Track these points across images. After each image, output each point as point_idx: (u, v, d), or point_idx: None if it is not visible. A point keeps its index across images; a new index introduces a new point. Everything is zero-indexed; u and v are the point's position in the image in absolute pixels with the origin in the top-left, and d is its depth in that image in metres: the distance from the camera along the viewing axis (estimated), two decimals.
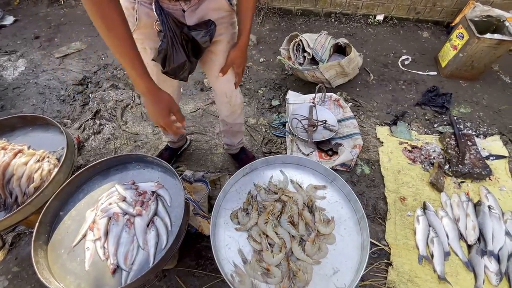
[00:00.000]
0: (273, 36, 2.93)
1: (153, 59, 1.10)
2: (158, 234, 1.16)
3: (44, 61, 2.69)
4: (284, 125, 2.11)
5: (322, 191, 1.27)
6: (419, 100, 2.26)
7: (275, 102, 2.27)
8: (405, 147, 1.99)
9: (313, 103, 2.16)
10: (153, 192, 1.27)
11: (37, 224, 1.11)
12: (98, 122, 2.13)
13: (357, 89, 2.38)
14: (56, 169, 1.33)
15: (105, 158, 1.33)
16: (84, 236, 1.15)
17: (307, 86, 2.38)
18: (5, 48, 2.86)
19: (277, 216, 1.16)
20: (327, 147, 1.94)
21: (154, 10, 0.98)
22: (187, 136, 2.00)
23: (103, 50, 2.81)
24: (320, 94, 2.18)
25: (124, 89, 2.39)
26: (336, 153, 1.92)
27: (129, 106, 2.25)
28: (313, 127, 1.98)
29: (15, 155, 1.29)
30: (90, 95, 2.35)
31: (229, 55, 1.21)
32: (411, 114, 2.19)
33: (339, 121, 2.06)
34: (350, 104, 2.23)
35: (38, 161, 1.33)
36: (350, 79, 2.41)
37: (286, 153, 1.94)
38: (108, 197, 1.25)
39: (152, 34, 1.07)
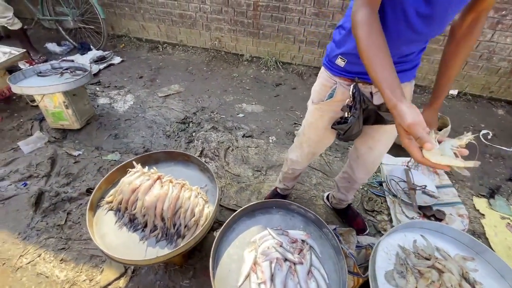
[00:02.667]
0: None
1: (333, 127, 1.27)
2: (318, 286, 1.19)
3: (149, 98, 3.04)
4: (381, 184, 2.19)
5: (472, 263, 1.28)
6: (511, 176, 2.31)
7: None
8: (508, 223, 1.98)
9: (407, 166, 2.25)
10: (303, 241, 1.34)
11: (210, 260, 1.19)
12: (203, 159, 2.31)
13: None
14: (207, 205, 1.45)
15: (252, 203, 1.44)
16: (247, 277, 1.20)
17: (396, 149, 2.51)
18: (115, 83, 3.28)
19: (439, 286, 1.17)
20: (429, 213, 1.97)
21: (350, 91, 1.17)
22: None
23: (199, 94, 3.15)
24: (411, 158, 2.28)
25: (223, 131, 2.62)
26: (439, 220, 1.93)
27: (230, 148, 2.44)
28: (414, 191, 2.04)
29: (181, 188, 1.44)
30: (193, 134, 2.59)
31: (424, 116, 1.01)
32: (506, 189, 2.22)
33: (437, 187, 2.12)
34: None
35: (195, 196, 1.46)
36: None
37: (388, 213, 1.97)
38: (262, 239, 1.32)
39: (336, 107, 1.26)
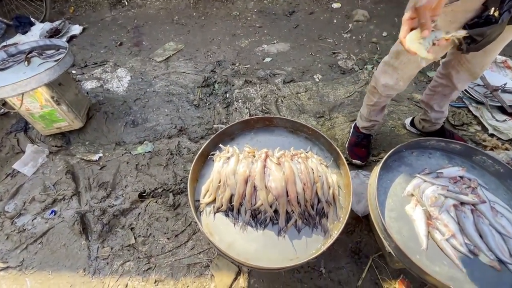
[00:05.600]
0: (380, 8, 2.77)
1: (469, 32, 0.93)
2: (508, 220, 1.02)
3: (147, 68, 2.41)
4: None
5: None
6: None
7: (432, 74, 2.13)
8: None
9: None
10: (461, 177, 1.13)
11: (379, 231, 0.94)
12: None
13: None
14: (329, 172, 1.15)
15: (387, 154, 1.16)
16: (428, 236, 1.00)
17: None
18: (91, 59, 2.54)
19: None
20: None
21: None
22: None
23: (205, 47, 2.55)
24: None
25: (260, 83, 2.17)
26: None
27: (279, 100, 2.05)
28: (497, 92, 1.87)
29: (306, 158, 1.10)
30: (226, 95, 2.12)
31: None
32: None
33: None
34: None
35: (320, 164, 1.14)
36: None
37: (477, 123, 1.82)
38: (418, 189, 1.09)
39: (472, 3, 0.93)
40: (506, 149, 1.64)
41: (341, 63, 2.27)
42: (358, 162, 1.64)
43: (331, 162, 1.20)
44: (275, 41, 2.52)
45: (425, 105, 1.61)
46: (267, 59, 2.38)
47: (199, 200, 1.14)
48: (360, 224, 1.46)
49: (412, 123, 1.81)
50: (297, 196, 1.02)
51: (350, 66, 2.25)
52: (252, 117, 1.33)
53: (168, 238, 1.52)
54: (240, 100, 2.04)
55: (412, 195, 1.09)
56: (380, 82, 1.35)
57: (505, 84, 1.90)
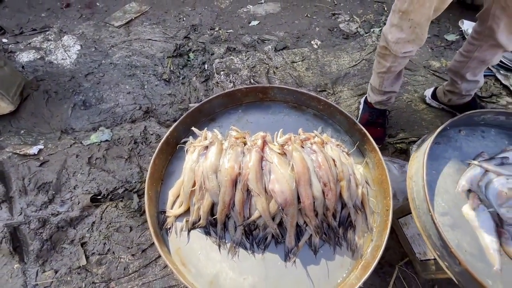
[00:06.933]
0: None
1: None
2: None
3: (102, 34, 1.90)
4: None
5: None
6: None
7: (451, 37, 1.80)
8: None
9: None
10: None
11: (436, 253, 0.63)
12: None
13: None
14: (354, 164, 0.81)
15: (430, 134, 0.83)
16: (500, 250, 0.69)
17: (474, 11, 1.92)
18: (29, 25, 1.98)
19: None
20: None
21: None
22: None
23: (176, 8, 2.06)
24: None
25: (247, 51, 1.75)
26: None
27: (271, 71, 1.65)
28: None
29: (323, 144, 0.73)
30: (204, 66, 1.69)
31: None
32: None
33: None
34: None
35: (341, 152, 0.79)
36: None
37: (507, 93, 1.53)
38: (478, 183, 0.77)
39: None
40: None
41: (343, 26, 1.88)
42: None
43: (354, 149, 0.86)
44: (263, 1, 2.08)
45: (454, 74, 1.29)
46: (254, 22, 1.94)
47: (164, 212, 0.76)
48: None
49: (433, 95, 1.49)
50: (313, 203, 0.67)
51: (354, 29, 1.87)
52: (239, 87, 0.94)
53: (132, 255, 1.15)
54: (222, 72, 1.63)
55: (470, 190, 0.78)
56: (391, 39, 1.03)
57: None
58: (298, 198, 0.67)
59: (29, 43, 1.86)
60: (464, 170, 0.82)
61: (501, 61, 1.59)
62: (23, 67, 1.73)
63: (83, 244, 1.17)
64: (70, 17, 2.04)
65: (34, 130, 1.50)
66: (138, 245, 1.17)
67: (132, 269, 1.12)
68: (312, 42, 1.82)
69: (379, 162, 0.77)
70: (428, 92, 1.52)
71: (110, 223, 1.22)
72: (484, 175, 0.78)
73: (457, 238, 0.72)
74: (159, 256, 1.14)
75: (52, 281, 1.11)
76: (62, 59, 1.77)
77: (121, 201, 1.28)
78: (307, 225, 0.70)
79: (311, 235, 0.71)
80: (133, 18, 1.99)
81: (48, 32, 1.93)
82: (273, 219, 0.70)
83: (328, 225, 0.71)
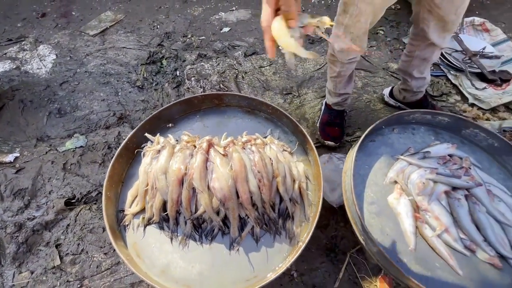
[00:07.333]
0: None
1: None
2: (507, 204, 0.85)
3: (78, 43, 1.96)
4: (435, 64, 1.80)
5: None
6: None
7: (407, 39, 1.92)
8: None
9: (455, 32, 1.86)
10: (450, 156, 0.93)
11: (357, 231, 0.73)
12: None
13: (476, 12, 2.12)
14: (294, 158, 0.91)
15: (363, 135, 0.93)
16: (416, 232, 0.80)
17: None
18: (5, 35, 2.02)
19: None
20: (493, 77, 1.69)
21: None
22: None
23: (150, 16, 2.13)
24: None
25: (217, 57, 1.83)
26: (506, 80, 1.69)
27: (240, 76, 1.74)
28: (476, 57, 1.71)
29: (261, 147, 0.83)
30: (176, 72, 1.77)
31: None
32: None
33: (492, 46, 1.81)
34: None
35: (281, 151, 0.88)
36: None
37: (457, 92, 1.66)
38: (402, 175, 0.88)
39: None
40: (488, 119, 1.50)
41: (310, 32, 1.99)
42: (331, 143, 1.42)
43: (297, 147, 0.96)
44: (234, 8, 2.17)
45: (404, 73, 1.40)
46: (225, 29, 2.03)
47: (123, 210, 0.85)
48: (335, 215, 1.26)
49: (391, 94, 1.61)
50: (251, 197, 0.77)
51: (319, 34, 1.98)
52: (196, 95, 1.03)
53: (105, 254, 1.22)
54: (193, 78, 1.71)
55: (396, 182, 0.89)
56: (336, 48, 1.15)
57: (484, 48, 1.74)
58: (238, 194, 0.77)
59: (5, 54, 1.91)
60: (392, 164, 0.92)
61: (451, 62, 1.72)
62: None
63: (57, 246, 1.24)
64: (46, 26, 2.08)
65: (10, 139, 1.55)
66: (110, 245, 1.24)
67: (104, 266, 1.19)
68: (280, 47, 1.92)
69: (315, 160, 0.87)
70: (386, 91, 1.63)
71: (84, 225, 1.29)
72: (408, 168, 0.89)
73: (381, 223, 0.83)
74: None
75: (28, 281, 1.17)
76: (38, 68, 1.82)
77: (95, 203, 1.35)
78: (248, 217, 0.79)
79: (253, 226, 0.80)
80: (108, 26, 2.05)
81: (24, 42, 1.97)
82: (218, 213, 0.79)
83: (268, 216, 0.80)
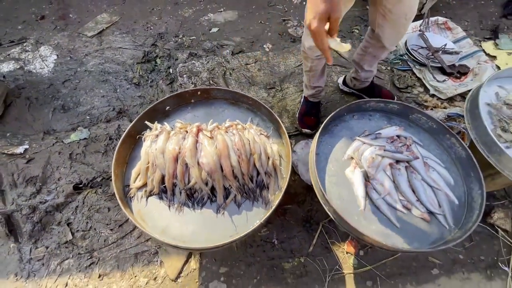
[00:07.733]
0: None
1: None
2: (439, 173, 1.05)
3: (77, 44, 2.11)
4: (402, 59, 2.00)
5: None
6: (504, 12, 2.31)
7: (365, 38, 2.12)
8: None
9: (420, 30, 2.06)
10: (398, 137, 1.13)
11: (320, 196, 0.92)
12: None
13: (443, 12, 2.33)
14: (271, 141, 1.10)
15: (324, 122, 1.12)
16: (366, 197, 1.00)
17: None
18: (7, 37, 2.16)
19: None
20: (453, 70, 1.91)
21: None
22: None
23: (143, 18, 2.28)
24: (422, 20, 2.09)
25: (207, 56, 2.01)
26: (464, 74, 1.90)
27: (227, 73, 1.92)
28: (439, 53, 1.92)
29: (241, 131, 1.01)
30: (169, 70, 1.93)
31: None
32: (503, 26, 2.24)
33: (453, 43, 2.02)
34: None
35: (258, 135, 1.07)
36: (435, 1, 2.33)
37: (421, 85, 1.87)
38: (357, 152, 1.08)
39: None
40: (444, 107, 1.72)
41: (291, 31, 2.17)
42: (307, 131, 1.62)
43: (272, 132, 1.14)
44: (222, 9, 2.33)
45: (357, 64, 1.59)
46: (214, 29, 2.20)
47: (128, 185, 1.03)
48: (311, 193, 1.46)
49: (344, 82, 1.80)
50: (233, 170, 0.96)
51: (301, 33, 2.16)
52: (187, 89, 1.21)
53: (111, 229, 1.40)
54: (184, 75, 1.88)
55: (352, 158, 1.08)
56: (306, 45, 1.31)
57: (445, 45, 1.95)
58: (222, 167, 0.96)
59: (8, 54, 2.04)
60: (351, 144, 1.12)
61: (416, 58, 1.92)
62: (4, 76, 1.92)
63: (68, 224, 1.42)
64: (45, 28, 2.22)
65: (19, 133, 1.70)
66: (115, 222, 1.42)
67: (111, 240, 1.38)
68: (265, 46, 2.10)
69: (287, 142, 1.06)
70: (340, 80, 1.83)
71: (91, 206, 1.46)
72: (362, 146, 1.09)
73: (339, 191, 1.02)
74: (134, 229, 1.40)
75: (44, 255, 1.34)
76: (40, 68, 1.97)
77: (100, 187, 1.52)
78: (231, 187, 0.98)
79: (235, 194, 0.99)
80: (104, 28, 2.20)
81: (25, 44, 2.11)
82: (206, 184, 0.98)
83: (248, 186, 0.99)
